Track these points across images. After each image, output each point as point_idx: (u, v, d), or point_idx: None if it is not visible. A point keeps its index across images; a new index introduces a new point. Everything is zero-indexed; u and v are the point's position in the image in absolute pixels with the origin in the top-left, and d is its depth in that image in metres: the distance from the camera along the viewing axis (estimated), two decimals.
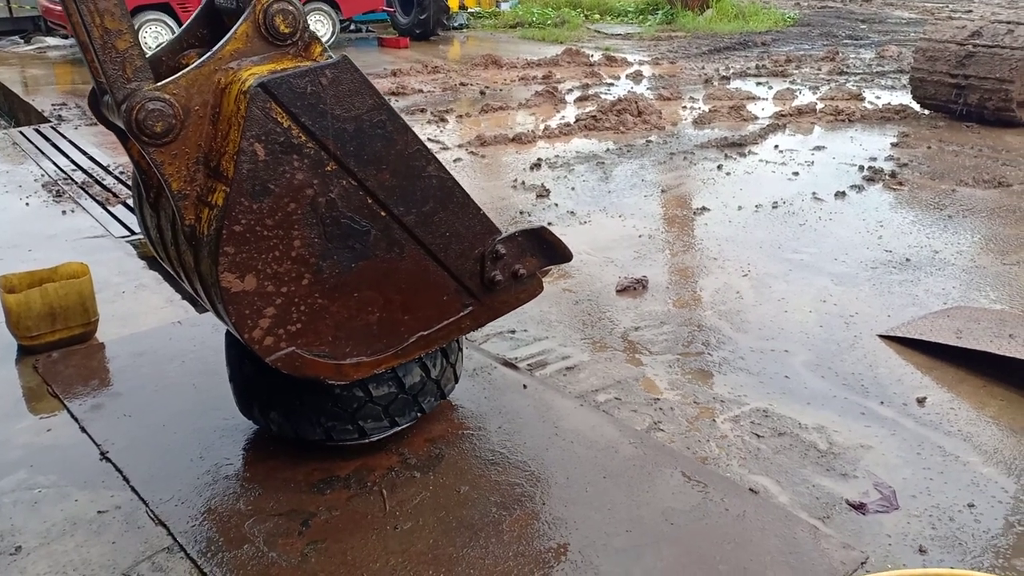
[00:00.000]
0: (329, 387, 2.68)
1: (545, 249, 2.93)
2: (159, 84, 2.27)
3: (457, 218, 2.67)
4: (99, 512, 2.66)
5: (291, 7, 2.39)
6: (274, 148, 2.28)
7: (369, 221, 2.48)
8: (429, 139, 7.94)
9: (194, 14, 2.69)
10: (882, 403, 3.34)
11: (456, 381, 3.10)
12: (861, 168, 6.79)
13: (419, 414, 2.95)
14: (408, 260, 2.60)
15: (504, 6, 19.80)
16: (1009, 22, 7.86)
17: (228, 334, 2.94)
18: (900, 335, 3.85)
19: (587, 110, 8.95)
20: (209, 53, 2.34)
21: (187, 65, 2.55)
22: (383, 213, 2.50)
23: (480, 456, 2.94)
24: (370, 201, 2.47)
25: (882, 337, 3.89)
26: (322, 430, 2.80)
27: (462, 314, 2.80)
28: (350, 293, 2.51)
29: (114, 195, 5.98)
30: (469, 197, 2.70)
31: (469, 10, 18.57)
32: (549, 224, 5.49)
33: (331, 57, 2.42)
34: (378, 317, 2.59)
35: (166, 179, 2.31)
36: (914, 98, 8.86)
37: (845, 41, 15.09)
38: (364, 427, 2.82)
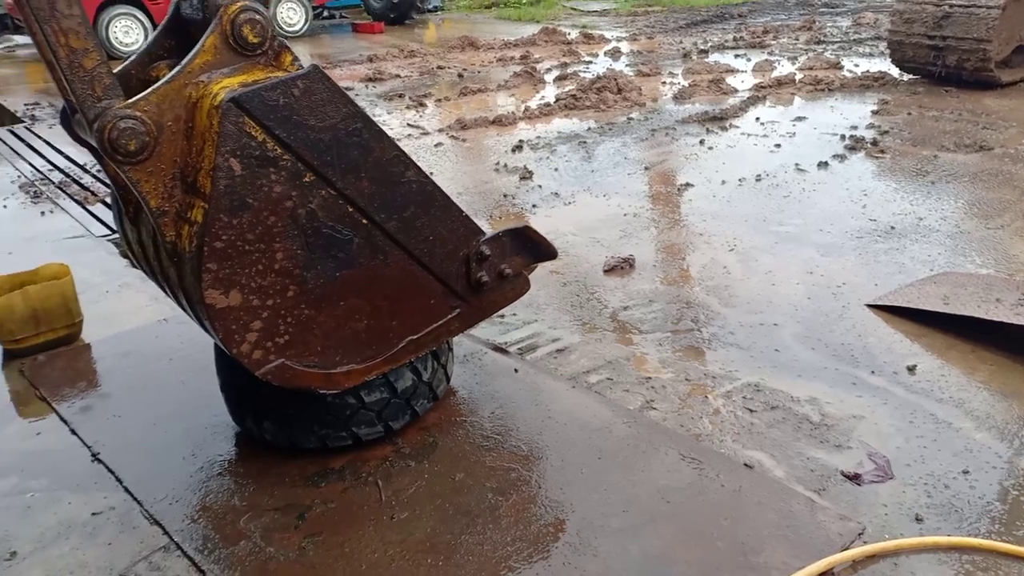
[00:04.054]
0: (321, 396, 2.67)
1: (530, 247, 2.93)
2: (130, 101, 2.22)
3: (439, 221, 2.65)
4: (93, 514, 2.63)
5: (259, 16, 2.34)
6: (250, 162, 2.24)
7: (351, 229, 2.46)
8: (409, 124, 7.88)
9: (161, 25, 2.62)
10: (873, 372, 3.35)
11: (448, 381, 3.12)
12: (843, 137, 6.79)
13: (412, 417, 2.95)
14: (393, 266, 2.59)
15: None
16: None
17: (217, 345, 2.92)
18: (888, 304, 3.87)
19: (567, 89, 8.90)
20: (178, 67, 2.29)
21: (157, 78, 2.50)
22: (364, 221, 2.48)
23: (474, 442, 2.93)
24: (351, 210, 2.45)
25: (870, 306, 3.90)
26: (316, 438, 2.80)
27: (450, 316, 2.79)
28: (336, 302, 2.50)
29: (92, 194, 5.91)
30: (450, 200, 2.69)
31: None
32: (533, 206, 5.48)
33: (302, 66, 2.38)
34: (366, 324, 2.58)
35: (144, 197, 2.28)
36: (892, 62, 8.86)
37: (821, 9, 15.07)
38: (358, 433, 2.83)
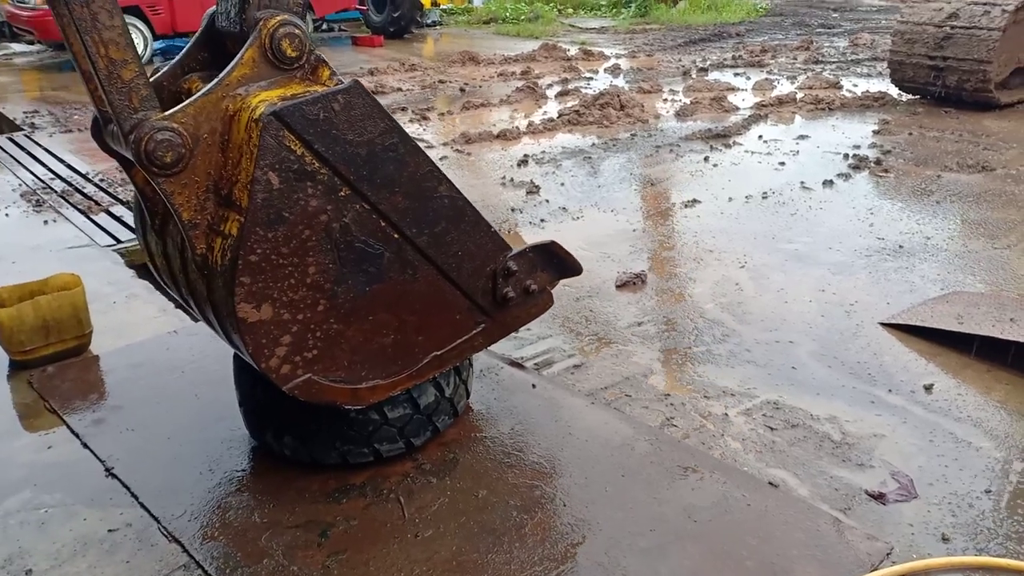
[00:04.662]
0: (345, 411, 2.64)
1: (556, 263, 2.92)
2: (167, 113, 2.21)
3: (469, 237, 2.65)
4: (109, 531, 2.59)
5: (297, 30, 2.33)
6: (288, 176, 2.23)
7: (382, 244, 2.45)
8: (412, 137, 7.86)
9: (194, 37, 2.60)
10: (890, 391, 3.35)
11: (468, 397, 3.10)
12: (846, 156, 6.83)
13: (433, 434, 2.93)
14: (421, 281, 2.57)
15: (477, 2, 19.71)
16: (985, 3, 7.95)
17: (237, 358, 2.89)
18: (902, 322, 3.87)
19: (569, 105, 8.92)
20: (216, 80, 2.28)
21: (190, 90, 2.48)
22: (396, 235, 2.47)
23: (495, 459, 2.90)
24: (383, 224, 2.44)
25: (884, 325, 3.90)
26: (337, 454, 2.77)
27: (475, 332, 2.78)
28: (365, 316, 2.48)
29: (96, 203, 5.86)
30: (480, 215, 2.68)
31: (441, 7, 18.46)
32: (542, 221, 5.47)
33: (341, 81, 2.37)
34: (393, 339, 2.57)
35: (176, 209, 2.25)
36: (893, 81, 8.93)
37: (818, 30, 15.21)
38: (379, 449, 2.80)
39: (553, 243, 2.90)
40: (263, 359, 2.32)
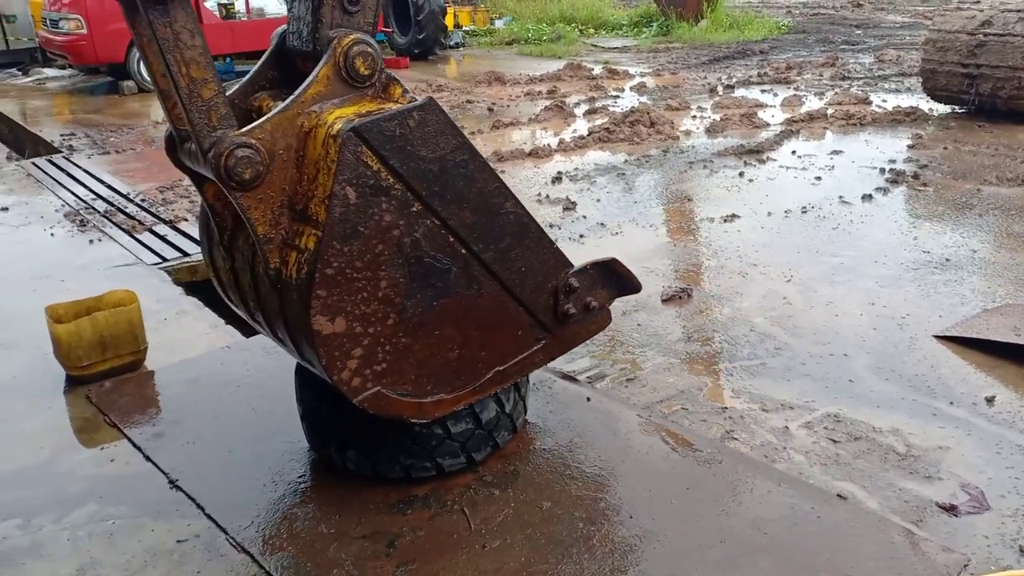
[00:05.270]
0: (409, 426, 2.65)
1: (616, 281, 2.93)
2: (244, 130, 2.25)
3: (532, 253, 2.66)
4: (178, 542, 2.60)
5: (370, 49, 2.38)
6: (364, 191, 2.26)
7: (450, 259, 2.47)
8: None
9: (263, 57, 2.65)
10: (951, 403, 3.30)
11: (525, 412, 3.10)
12: (882, 171, 6.79)
13: (493, 449, 2.92)
14: (486, 296, 2.59)
15: (499, 23, 19.88)
16: (1019, 10, 7.91)
17: (300, 373, 2.90)
18: (957, 335, 3.83)
19: (598, 122, 8.94)
20: (291, 97, 2.32)
21: (260, 108, 2.53)
22: (463, 251, 2.50)
23: (556, 471, 2.89)
24: (452, 239, 2.46)
25: (938, 337, 3.86)
26: (400, 468, 2.78)
27: (536, 348, 2.79)
28: (432, 331, 2.50)
29: (139, 223, 5.93)
30: (543, 231, 2.70)
31: (464, 28, 18.62)
32: (581, 237, 5.47)
33: (414, 98, 2.40)
34: (458, 354, 2.58)
35: (252, 223, 2.29)
36: (925, 90, 8.89)
37: (842, 47, 15.18)
38: (442, 464, 2.80)
39: (614, 260, 2.90)
40: (335, 371, 2.33)
